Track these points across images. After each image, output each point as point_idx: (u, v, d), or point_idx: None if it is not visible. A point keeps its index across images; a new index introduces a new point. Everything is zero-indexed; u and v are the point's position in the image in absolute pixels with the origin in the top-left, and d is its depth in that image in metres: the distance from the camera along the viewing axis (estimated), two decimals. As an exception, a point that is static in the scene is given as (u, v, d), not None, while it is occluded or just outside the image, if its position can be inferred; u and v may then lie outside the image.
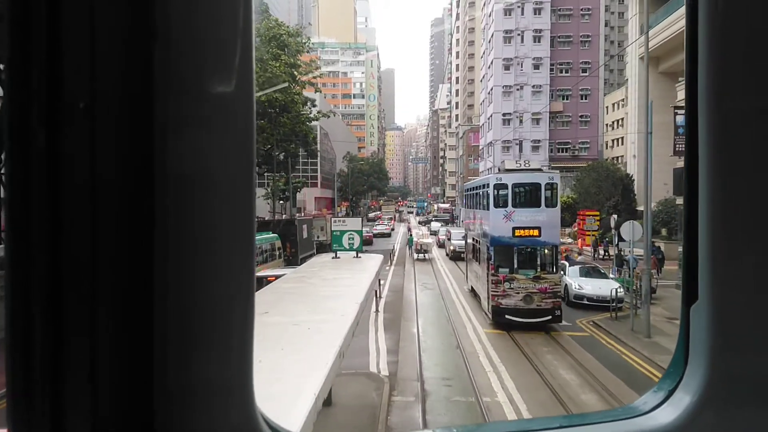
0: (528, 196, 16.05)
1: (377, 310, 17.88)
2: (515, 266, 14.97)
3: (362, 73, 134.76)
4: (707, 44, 1.02)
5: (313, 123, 38.66)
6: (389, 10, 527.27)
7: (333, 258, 9.95)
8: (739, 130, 1.03)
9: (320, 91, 33.23)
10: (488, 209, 15.74)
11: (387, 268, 30.01)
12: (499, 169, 18.82)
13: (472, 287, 20.68)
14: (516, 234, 14.94)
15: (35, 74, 0.70)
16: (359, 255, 10.22)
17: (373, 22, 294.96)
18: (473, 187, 20.70)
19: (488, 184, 16.00)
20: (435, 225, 56.59)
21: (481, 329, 15.64)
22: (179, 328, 0.74)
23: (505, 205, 15.25)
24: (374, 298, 18.30)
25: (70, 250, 0.71)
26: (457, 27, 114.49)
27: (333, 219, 11.80)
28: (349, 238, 9.99)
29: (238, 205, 0.79)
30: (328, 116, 36.88)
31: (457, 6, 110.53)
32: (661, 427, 1.06)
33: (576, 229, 38.66)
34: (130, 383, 0.73)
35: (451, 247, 33.33)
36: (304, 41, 30.01)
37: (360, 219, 11.51)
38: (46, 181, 0.70)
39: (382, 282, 24.13)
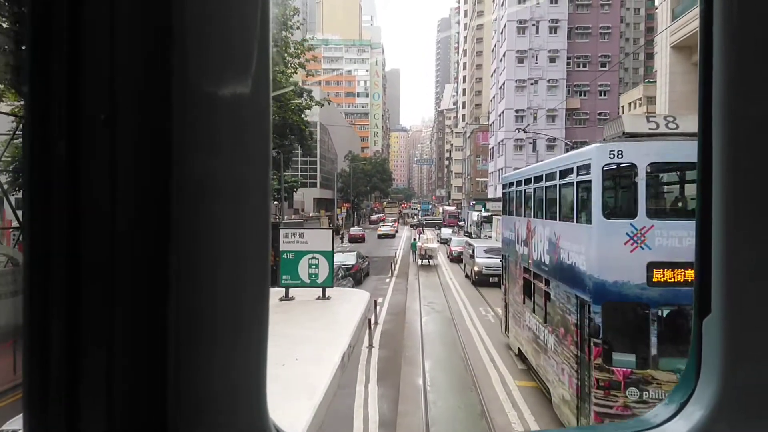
0: (681, 193, 7.95)
1: (371, 345, 13.68)
2: (651, 351, 6.77)
3: (366, 71, 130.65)
4: (722, 47, 1.01)
5: (313, 119, 34.73)
6: (394, 10, 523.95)
7: (281, 300, 5.79)
8: (755, 135, 1.00)
9: (311, 74, 29.06)
10: (583, 220, 7.84)
11: (387, 281, 25.86)
12: (601, 137, 8.98)
13: (519, 351, 12.12)
14: (655, 278, 6.72)
15: (55, 85, 0.71)
16: (327, 295, 5.99)
17: (379, 22, 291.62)
18: (534, 177, 10.80)
19: (583, 167, 7.79)
20: (446, 232, 48.59)
21: (511, 380, 11.42)
22: (194, 332, 0.75)
23: (628, 214, 7.13)
24: (368, 328, 14.11)
25: (89, 257, 0.72)
26: (465, 24, 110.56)
27: (283, 231, 7.50)
28: (310, 265, 5.89)
29: (255, 211, 0.80)
30: (322, 104, 32.68)
31: (465, 2, 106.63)
32: None
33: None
34: (144, 387, 0.73)
35: (476, 268, 23.52)
36: (291, 13, 25.87)
37: (331, 231, 7.37)
38: (66, 190, 0.71)
39: (380, 301, 19.96)
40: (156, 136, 0.71)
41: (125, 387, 0.73)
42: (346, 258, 24.68)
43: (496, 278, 21.21)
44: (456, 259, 31.94)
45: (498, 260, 21.70)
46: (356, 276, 23.78)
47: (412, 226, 64.67)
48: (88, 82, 0.70)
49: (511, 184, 13.64)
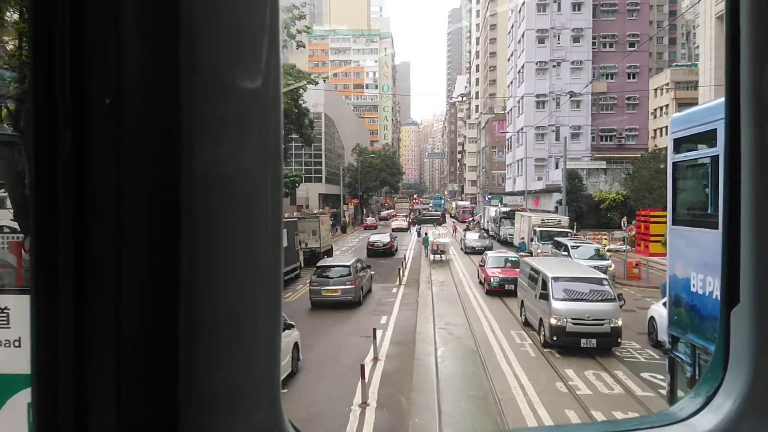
0: None
1: (365, 402, 9.48)
2: None
3: (375, 61, 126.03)
4: (749, 36, 1.00)
5: (317, 109, 31.16)
6: (404, 2, 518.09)
7: None
8: None
9: (303, 46, 24.89)
10: None
11: (394, 290, 21.65)
12: None
13: None
14: None
15: (60, 74, 0.70)
16: None
17: (388, 13, 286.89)
18: None
19: None
20: (472, 238, 35.83)
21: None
22: (205, 330, 0.74)
23: None
24: (361, 377, 9.92)
25: (96, 251, 0.71)
26: (477, 11, 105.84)
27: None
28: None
29: (266, 206, 0.79)
30: (316, 83, 28.58)
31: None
32: None
33: (632, 233, 29.99)
34: (154, 385, 0.72)
35: (552, 320, 12.66)
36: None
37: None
38: (72, 181, 0.70)
39: (383, 322, 15.76)
40: (164, 127, 0.69)
41: (135, 387, 0.71)
42: (381, 237, 33.74)
43: (594, 340, 12.26)
44: (498, 290, 19.66)
45: (595, 304, 12.61)
46: (390, 250, 32.76)
47: (411, 222, 60.79)
48: (93, 72, 0.69)
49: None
